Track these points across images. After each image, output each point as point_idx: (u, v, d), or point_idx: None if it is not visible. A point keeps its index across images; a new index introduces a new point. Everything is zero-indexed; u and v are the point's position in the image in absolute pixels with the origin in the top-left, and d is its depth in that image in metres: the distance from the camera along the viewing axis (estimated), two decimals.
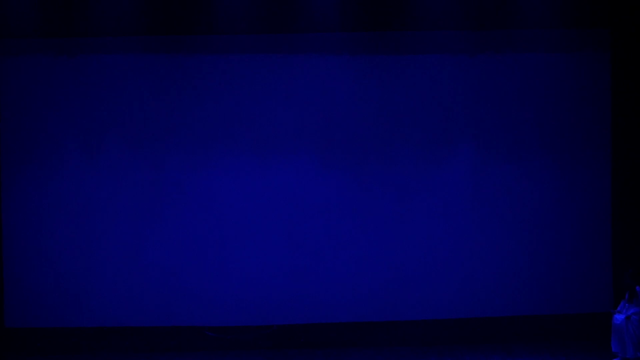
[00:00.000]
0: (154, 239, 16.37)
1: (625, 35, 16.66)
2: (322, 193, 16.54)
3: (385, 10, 16.40)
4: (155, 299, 16.32)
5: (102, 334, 16.30)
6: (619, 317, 14.40)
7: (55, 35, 16.10)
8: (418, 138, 16.62)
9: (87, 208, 16.29)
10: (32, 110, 16.20)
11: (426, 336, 16.56)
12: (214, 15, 16.18)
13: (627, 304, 14.38)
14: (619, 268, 16.73)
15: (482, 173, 16.70)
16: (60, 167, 16.27)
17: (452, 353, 16.06)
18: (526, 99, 16.71)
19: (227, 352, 16.27)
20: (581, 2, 16.52)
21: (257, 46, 16.37)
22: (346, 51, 16.45)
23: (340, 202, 16.55)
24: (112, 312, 16.29)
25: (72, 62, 16.18)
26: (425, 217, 16.64)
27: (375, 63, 16.54)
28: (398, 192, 16.60)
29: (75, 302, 16.25)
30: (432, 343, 16.52)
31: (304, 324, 16.40)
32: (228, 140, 16.44)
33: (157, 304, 16.33)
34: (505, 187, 16.71)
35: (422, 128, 16.64)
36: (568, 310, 16.81)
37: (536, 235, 16.74)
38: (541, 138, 16.76)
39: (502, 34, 16.64)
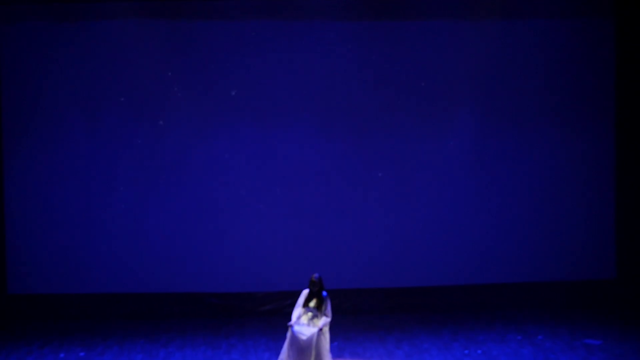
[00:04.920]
0: (156, 206, 16.36)
1: (629, 0, 16.54)
2: (324, 161, 16.50)
3: None
4: (157, 265, 16.33)
5: (105, 300, 16.34)
6: (307, 332, 11.93)
7: (56, 0, 16.01)
8: (419, 105, 16.57)
9: (88, 175, 16.27)
10: (33, 76, 16.15)
11: (428, 303, 16.58)
12: None
13: (314, 312, 12.07)
14: (622, 235, 16.73)
15: (484, 141, 16.65)
16: (62, 134, 16.24)
17: (455, 319, 16.08)
18: (529, 66, 16.64)
19: (230, 319, 16.30)
20: None
21: (258, 11, 16.28)
22: (347, 17, 16.36)
23: (341, 169, 16.52)
24: (115, 279, 16.31)
25: (73, 28, 16.11)
26: (427, 185, 16.62)
27: (376, 29, 16.45)
28: (399, 160, 16.56)
29: (78, 268, 16.28)
30: (434, 309, 16.54)
31: None
32: (229, 107, 16.39)
33: (159, 271, 16.34)
34: (508, 154, 16.68)
35: (423, 95, 16.57)
36: (571, 277, 16.81)
37: (539, 202, 16.72)
38: (544, 105, 16.71)
39: (505, 0, 16.52)
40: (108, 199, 16.30)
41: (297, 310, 12.25)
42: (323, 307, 12.18)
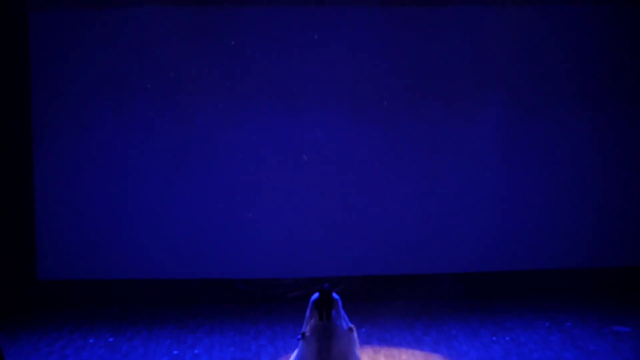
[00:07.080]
0: (184, 192, 16.38)
1: None
2: (353, 147, 16.47)
3: None
4: (186, 251, 16.37)
5: (133, 286, 16.39)
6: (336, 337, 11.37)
7: None
8: (449, 91, 16.49)
9: (117, 162, 16.30)
10: (62, 64, 16.18)
11: (457, 289, 16.53)
12: None
13: (326, 321, 11.39)
14: None
15: (513, 127, 16.57)
16: (91, 122, 16.27)
17: (484, 306, 16.04)
18: (559, 51, 16.52)
19: (258, 305, 16.33)
20: None
21: None
22: (376, 3, 16.29)
23: (370, 155, 16.49)
24: (143, 265, 16.36)
25: (101, 16, 16.13)
26: (456, 171, 16.56)
27: (405, 15, 16.38)
28: (428, 146, 16.51)
29: (106, 255, 16.33)
30: (463, 296, 16.49)
31: (334, 277, 16.37)
32: (258, 94, 16.37)
33: (188, 257, 16.37)
34: (537, 140, 16.59)
35: (452, 81, 16.50)
36: (600, 264, 16.73)
37: (568, 189, 16.63)
38: (573, 91, 16.59)
39: None
40: (136, 185, 16.34)
41: (311, 321, 11.60)
42: (336, 309, 11.51)
